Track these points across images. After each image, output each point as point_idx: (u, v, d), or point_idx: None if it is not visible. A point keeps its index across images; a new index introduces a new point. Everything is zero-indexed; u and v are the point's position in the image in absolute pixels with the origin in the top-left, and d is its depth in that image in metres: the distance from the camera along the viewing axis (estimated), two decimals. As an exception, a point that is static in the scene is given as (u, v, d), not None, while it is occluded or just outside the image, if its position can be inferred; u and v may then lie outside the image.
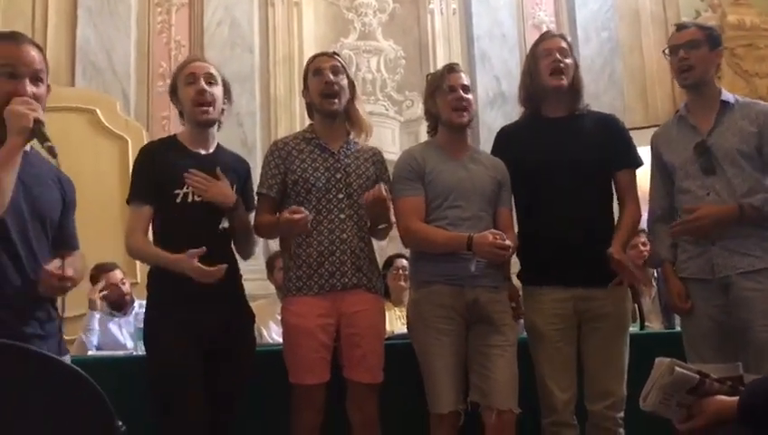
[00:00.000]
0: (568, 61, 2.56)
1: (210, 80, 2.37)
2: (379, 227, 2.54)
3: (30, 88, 1.81)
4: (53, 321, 1.87)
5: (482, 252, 2.33)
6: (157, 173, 2.33)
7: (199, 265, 2.18)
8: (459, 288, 2.40)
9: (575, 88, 2.58)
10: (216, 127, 2.44)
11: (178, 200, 2.30)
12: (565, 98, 2.58)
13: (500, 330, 2.41)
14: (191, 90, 2.35)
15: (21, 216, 1.77)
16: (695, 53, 2.49)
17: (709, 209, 2.41)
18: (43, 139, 1.78)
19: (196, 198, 2.30)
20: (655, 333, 3.67)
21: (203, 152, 2.40)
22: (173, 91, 2.44)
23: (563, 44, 2.58)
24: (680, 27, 2.61)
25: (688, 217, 2.43)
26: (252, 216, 2.50)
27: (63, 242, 1.97)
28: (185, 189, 2.30)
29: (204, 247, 2.19)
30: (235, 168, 2.47)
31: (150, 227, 2.37)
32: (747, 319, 2.33)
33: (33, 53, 1.84)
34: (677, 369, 1.55)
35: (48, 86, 1.90)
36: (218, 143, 2.47)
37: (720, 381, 1.57)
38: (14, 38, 1.85)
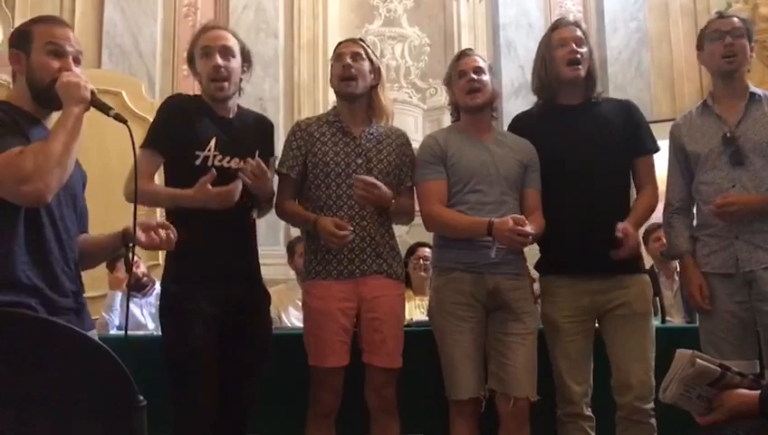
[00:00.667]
0: (583, 50, 2.51)
1: (226, 52, 2.31)
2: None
3: (74, 67, 1.84)
4: (83, 294, 1.91)
5: (501, 237, 2.30)
6: (178, 130, 2.26)
7: (217, 189, 2.14)
8: (479, 275, 2.39)
9: (591, 76, 2.55)
10: (235, 95, 2.38)
11: (198, 162, 2.24)
12: (581, 87, 2.55)
13: (520, 318, 2.40)
14: (207, 64, 2.30)
15: (57, 196, 1.79)
16: (739, 42, 2.47)
17: (740, 197, 2.37)
18: (106, 108, 1.81)
19: (217, 163, 2.25)
20: (675, 327, 3.63)
21: (226, 116, 2.35)
22: (190, 60, 2.39)
23: (579, 33, 2.54)
24: (723, 15, 2.62)
25: (718, 202, 2.37)
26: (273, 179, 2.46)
27: (82, 223, 1.99)
28: (206, 152, 2.24)
29: (213, 172, 2.14)
30: (259, 130, 2.43)
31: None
32: (771, 313, 2.31)
33: (72, 34, 1.88)
34: (699, 361, 1.53)
35: None
36: (238, 105, 2.41)
37: (741, 374, 1.56)
38: (55, 20, 1.91)
